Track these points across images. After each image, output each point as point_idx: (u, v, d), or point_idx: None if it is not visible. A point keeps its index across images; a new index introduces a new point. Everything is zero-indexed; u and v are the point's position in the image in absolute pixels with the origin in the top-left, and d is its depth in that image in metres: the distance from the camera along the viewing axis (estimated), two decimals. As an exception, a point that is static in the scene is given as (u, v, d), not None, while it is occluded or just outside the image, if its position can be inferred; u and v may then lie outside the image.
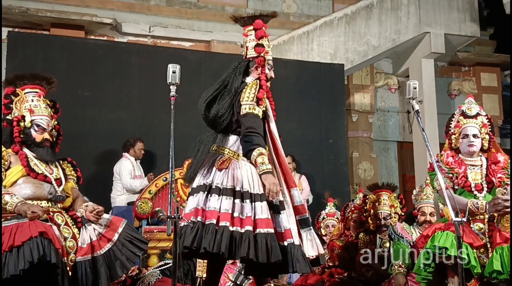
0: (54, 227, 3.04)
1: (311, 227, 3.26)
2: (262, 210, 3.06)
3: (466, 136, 3.56)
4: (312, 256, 3.16)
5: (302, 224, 3.22)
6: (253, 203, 3.08)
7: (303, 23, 9.25)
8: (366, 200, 4.85)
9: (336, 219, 5.90)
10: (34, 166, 3.21)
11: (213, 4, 9.12)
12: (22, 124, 3.24)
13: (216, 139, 3.36)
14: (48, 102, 3.39)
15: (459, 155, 3.60)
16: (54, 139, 3.38)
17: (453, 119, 3.68)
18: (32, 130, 3.27)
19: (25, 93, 3.31)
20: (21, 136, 3.24)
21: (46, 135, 3.29)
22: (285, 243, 3.07)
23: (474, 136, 3.55)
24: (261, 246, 2.97)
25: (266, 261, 2.97)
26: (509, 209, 3.27)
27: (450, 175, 3.53)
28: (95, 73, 7.01)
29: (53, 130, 3.37)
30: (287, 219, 3.15)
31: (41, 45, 6.93)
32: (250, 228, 2.99)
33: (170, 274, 3.99)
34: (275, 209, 3.18)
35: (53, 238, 2.88)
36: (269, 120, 3.36)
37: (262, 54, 3.39)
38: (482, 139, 3.57)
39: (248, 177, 3.14)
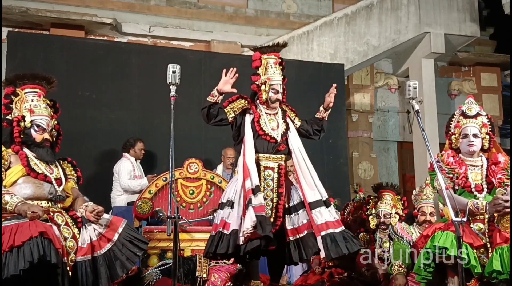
0: (54, 227, 3.04)
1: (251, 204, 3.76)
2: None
3: (466, 136, 3.56)
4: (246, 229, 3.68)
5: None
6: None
7: (303, 23, 9.25)
8: (370, 200, 4.86)
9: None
10: (34, 166, 3.20)
11: (213, 4, 9.12)
12: (22, 124, 3.24)
13: None
14: (48, 102, 3.39)
15: (460, 155, 3.60)
16: (54, 139, 3.38)
17: (453, 119, 3.68)
18: (32, 130, 3.26)
19: (25, 93, 3.31)
20: (21, 136, 3.24)
21: (46, 135, 3.29)
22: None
23: (474, 135, 3.55)
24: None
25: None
26: (509, 210, 3.27)
27: (451, 175, 3.53)
28: (95, 73, 7.00)
29: (53, 130, 3.37)
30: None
31: (41, 45, 6.93)
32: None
33: (170, 274, 4.00)
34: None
35: (53, 238, 2.88)
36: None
37: (256, 82, 3.90)
38: (482, 139, 3.57)
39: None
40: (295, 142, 3.94)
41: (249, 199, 3.60)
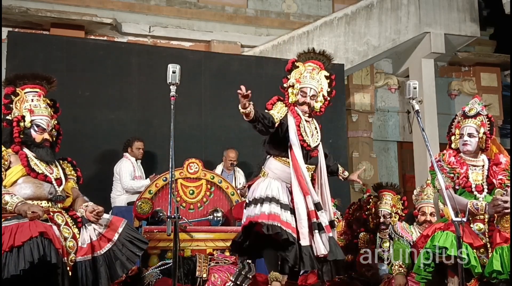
0: (54, 227, 3.04)
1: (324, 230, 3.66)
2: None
3: (462, 135, 3.58)
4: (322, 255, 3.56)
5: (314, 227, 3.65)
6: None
7: (303, 23, 9.25)
8: (370, 200, 4.86)
9: (336, 219, 5.89)
10: (34, 166, 3.20)
11: (213, 4, 9.12)
12: (22, 124, 3.24)
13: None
14: (48, 102, 3.39)
15: (461, 155, 3.61)
16: (54, 139, 3.38)
17: (455, 120, 3.70)
18: (32, 130, 3.26)
19: (25, 93, 3.31)
20: (21, 136, 3.24)
21: (46, 135, 3.29)
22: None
23: (470, 135, 3.57)
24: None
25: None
26: (508, 210, 3.27)
27: (452, 175, 3.54)
28: (95, 73, 7.01)
29: (53, 130, 3.37)
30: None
31: (41, 45, 6.93)
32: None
33: (170, 274, 3.99)
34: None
35: (53, 238, 2.88)
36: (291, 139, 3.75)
37: (284, 84, 3.87)
38: (479, 139, 3.58)
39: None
40: (321, 154, 3.92)
41: (318, 224, 3.60)
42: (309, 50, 3.98)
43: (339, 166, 4.33)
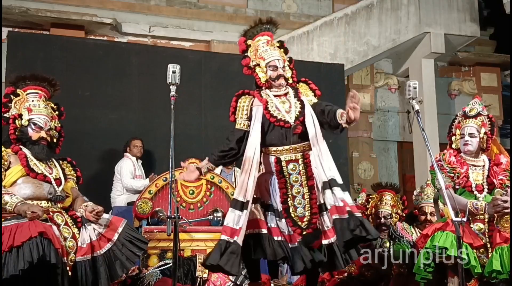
0: (54, 227, 3.04)
1: None
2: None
3: (463, 135, 3.58)
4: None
5: None
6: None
7: (303, 23, 9.25)
8: (369, 199, 4.85)
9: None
10: (33, 166, 3.21)
11: (213, 4, 9.13)
12: (18, 122, 3.26)
13: None
14: (52, 105, 3.42)
15: (462, 154, 3.62)
16: (54, 139, 3.39)
17: (455, 120, 3.70)
18: (29, 128, 3.28)
19: (26, 94, 3.34)
20: (16, 133, 3.25)
21: (42, 134, 3.29)
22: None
23: (471, 135, 3.57)
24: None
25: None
26: (508, 210, 3.27)
27: (452, 174, 3.54)
28: (95, 73, 7.00)
29: (53, 131, 3.38)
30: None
31: (41, 45, 6.93)
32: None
33: (170, 274, 4.00)
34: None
35: (52, 238, 2.88)
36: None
37: (249, 64, 3.49)
38: (480, 139, 3.58)
39: None
40: (310, 123, 3.37)
41: None
42: (255, 23, 3.59)
43: (336, 111, 3.40)
